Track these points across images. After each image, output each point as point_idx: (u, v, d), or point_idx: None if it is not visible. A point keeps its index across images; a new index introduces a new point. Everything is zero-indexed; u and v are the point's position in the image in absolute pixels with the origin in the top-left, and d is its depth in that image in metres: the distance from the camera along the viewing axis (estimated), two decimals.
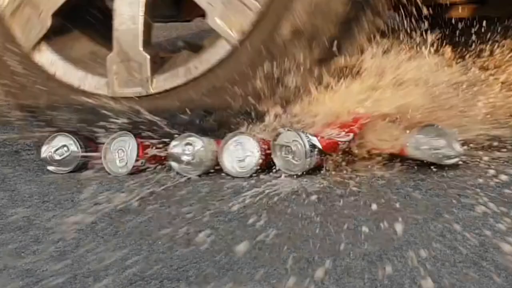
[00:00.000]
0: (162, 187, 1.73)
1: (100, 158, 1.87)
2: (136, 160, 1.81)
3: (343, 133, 1.75)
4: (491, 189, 1.60)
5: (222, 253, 1.35)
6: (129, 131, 1.85)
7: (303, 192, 1.64)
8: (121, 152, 1.83)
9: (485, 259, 1.28)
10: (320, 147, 1.72)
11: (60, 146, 1.88)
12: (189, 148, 1.81)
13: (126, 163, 1.82)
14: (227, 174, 1.79)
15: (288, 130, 1.76)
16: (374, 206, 1.54)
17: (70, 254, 1.38)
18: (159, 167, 1.84)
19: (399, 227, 1.42)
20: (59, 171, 1.88)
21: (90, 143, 1.91)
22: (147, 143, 1.83)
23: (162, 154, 1.83)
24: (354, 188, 1.65)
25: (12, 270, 1.33)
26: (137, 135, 1.84)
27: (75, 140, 1.87)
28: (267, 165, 1.78)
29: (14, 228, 1.52)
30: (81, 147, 1.88)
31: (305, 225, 1.46)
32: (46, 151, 1.89)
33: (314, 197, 1.61)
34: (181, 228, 1.48)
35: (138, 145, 1.82)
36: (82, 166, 1.89)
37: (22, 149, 2.10)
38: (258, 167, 1.77)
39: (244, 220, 1.50)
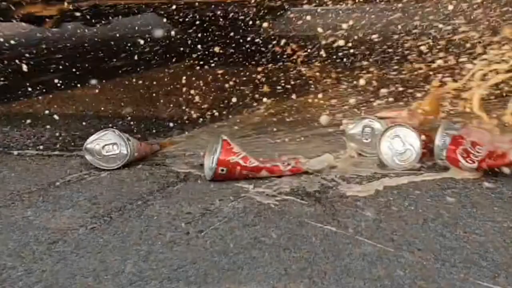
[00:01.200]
0: (162, 187, 1.73)
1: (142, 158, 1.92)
2: (217, 166, 1.72)
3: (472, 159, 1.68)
4: (491, 190, 1.61)
5: (222, 253, 1.35)
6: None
7: (303, 192, 1.64)
8: (214, 155, 1.76)
9: (485, 259, 1.28)
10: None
11: (111, 143, 1.89)
12: (368, 130, 1.83)
13: (212, 167, 1.74)
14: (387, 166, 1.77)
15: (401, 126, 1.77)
16: (374, 206, 1.54)
17: (70, 254, 1.38)
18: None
19: (399, 227, 1.43)
20: (97, 164, 1.88)
21: (139, 145, 1.93)
22: (235, 150, 1.74)
23: (246, 164, 1.73)
24: (354, 188, 1.65)
25: (12, 270, 1.33)
26: (225, 140, 1.75)
27: (127, 142, 1.88)
28: (428, 158, 1.76)
29: (14, 228, 1.52)
30: (130, 151, 1.88)
31: (305, 225, 1.46)
32: (94, 142, 1.89)
33: (314, 197, 1.61)
34: (181, 228, 1.48)
35: (221, 150, 1.73)
36: (120, 167, 1.89)
37: (20, 148, 2.11)
38: (420, 160, 1.75)
39: (244, 220, 1.50)
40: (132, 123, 2.29)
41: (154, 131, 2.22)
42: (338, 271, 1.26)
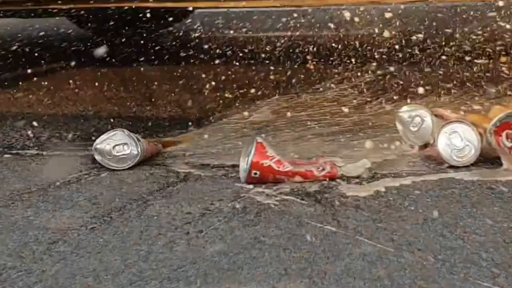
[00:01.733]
0: (162, 187, 1.73)
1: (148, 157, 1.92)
2: (250, 169, 1.67)
3: None
4: (491, 190, 1.61)
5: (222, 253, 1.35)
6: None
7: (303, 192, 1.64)
8: (248, 157, 1.69)
9: (485, 259, 1.28)
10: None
11: (121, 143, 1.89)
12: (418, 120, 1.84)
13: (246, 170, 1.69)
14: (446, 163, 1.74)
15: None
16: (374, 206, 1.54)
17: (70, 254, 1.38)
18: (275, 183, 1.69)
19: (399, 227, 1.43)
20: (106, 164, 1.88)
21: (147, 144, 1.94)
22: (269, 153, 1.68)
23: (279, 168, 1.68)
24: (354, 188, 1.65)
25: (12, 270, 1.33)
26: (260, 143, 1.69)
27: (137, 142, 1.88)
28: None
29: (14, 228, 1.52)
30: (140, 151, 1.88)
31: (305, 225, 1.46)
32: (104, 142, 1.89)
33: (314, 197, 1.61)
34: (181, 228, 1.48)
35: (255, 153, 1.67)
36: (131, 167, 1.89)
37: (21, 148, 2.11)
38: (478, 157, 1.74)
39: (244, 220, 1.50)
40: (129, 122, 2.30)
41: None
42: (338, 271, 1.26)
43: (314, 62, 2.77)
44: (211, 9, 3.61)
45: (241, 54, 2.92)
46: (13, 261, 1.36)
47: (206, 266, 1.30)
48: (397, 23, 2.96)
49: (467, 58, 2.50)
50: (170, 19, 3.75)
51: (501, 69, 2.39)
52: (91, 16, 3.49)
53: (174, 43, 3.41)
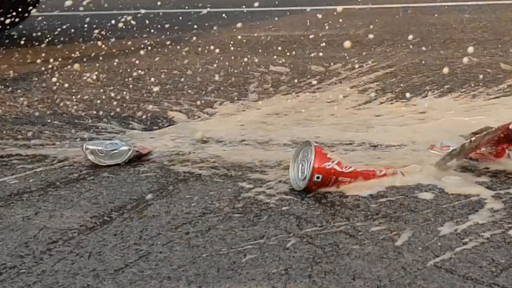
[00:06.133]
0: (162, 187, 1.73)
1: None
2: (312, 174, 1.61)
3: None
4: (491, 189, 1.61)
5: (222, 253, 1.35)
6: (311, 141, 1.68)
7: (303, 192, 1.64)
8: (304, 163, 1.65)
9: (485, 259, 1.28)
10: None
11: (110, 142, 1.97)
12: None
13: (306, 176, 1.64)
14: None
15: None
16: (374, 206, 1.54)
17: (70, 254, 1.38)
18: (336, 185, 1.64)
19: (399, 227, 1.43)
20: (99, 162, 1.91)
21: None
22: (329, 155, 1.64)
23: (343, 170, 1.63)
24: (355, 188, 1.65)
25: (12, 269, 1.33)
26: (317, 146, 1.65)
27: (123, 142, 1.97)
28: None
29: (14, 228, 1.52)
30: (130, 146, 1.95)
31: (305, 225, 1.46)
32: (94, 143, 1.97)
33: (313, 198, 1.61)
34: (181, 228, 1.48)
35: (315, 157, 1.62)
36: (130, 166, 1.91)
37: (21, 148, 2.11)
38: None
39: (244, 220, 1.50)
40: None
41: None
42: (338, 271, 1.26)
43: None
44: None
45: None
46: (13, 261, 1.37)
47: (206, 266, 1.30)
48: None
49: None
50: None
51: None
52: None
53: None
